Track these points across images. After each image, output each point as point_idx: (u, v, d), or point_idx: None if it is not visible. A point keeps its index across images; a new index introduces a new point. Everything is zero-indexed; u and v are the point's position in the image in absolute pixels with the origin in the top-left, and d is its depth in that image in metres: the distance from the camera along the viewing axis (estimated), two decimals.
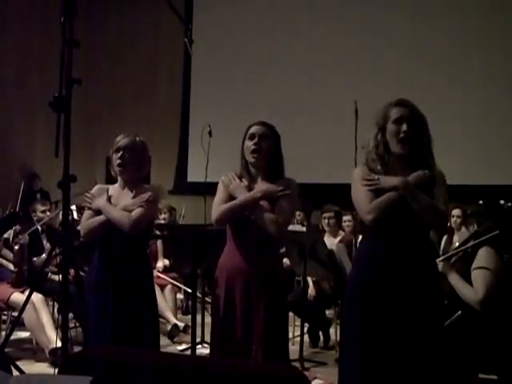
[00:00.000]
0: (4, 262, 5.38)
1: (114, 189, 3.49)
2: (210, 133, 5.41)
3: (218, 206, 3.08)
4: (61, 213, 3.94)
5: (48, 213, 5.86)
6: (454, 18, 8.86)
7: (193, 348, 4.72)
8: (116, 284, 3.35)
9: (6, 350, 4.23)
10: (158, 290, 5.71)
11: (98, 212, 3.40)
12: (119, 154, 3.40)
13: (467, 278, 3.46)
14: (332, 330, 5.60)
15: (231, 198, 3.08)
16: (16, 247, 5.24)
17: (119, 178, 3.49)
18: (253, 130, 3.14)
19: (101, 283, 3.39)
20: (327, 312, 5.82)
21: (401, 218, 2.69)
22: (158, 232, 5.77)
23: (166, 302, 5.87)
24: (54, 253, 3.98)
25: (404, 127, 2.74)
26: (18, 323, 4.58)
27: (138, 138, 3.50)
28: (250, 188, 3.09)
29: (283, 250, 6.30)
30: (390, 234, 2.71)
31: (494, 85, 8.63)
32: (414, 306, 2.65)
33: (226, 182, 3.12)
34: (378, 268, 2.70)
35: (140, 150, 3.48)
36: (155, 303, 3.61)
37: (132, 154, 3.41)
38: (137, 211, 3.34)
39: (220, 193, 3.13)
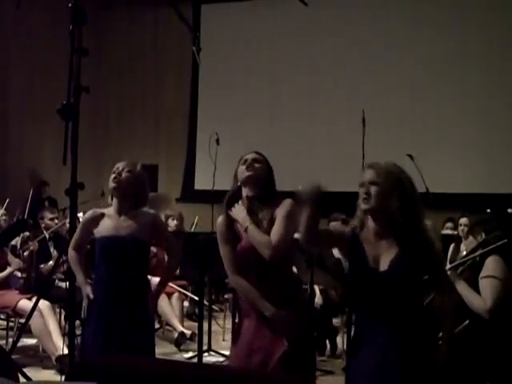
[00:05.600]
0: (10, 269, 5.39)
1: (110, 216, 3.46)
2: (217, 141, 5.42)
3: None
4: (68, 221, 3.95)
5: (56, 220, 5.88)
6: (457, 27, 8.89)
7: (199, 356, 4.71)
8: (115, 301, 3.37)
9: (13, 356, 4.25)
10: (164, 297, 5.73)
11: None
12: (116, 172, 3.41)
13: (475, 287, 3.44)
14: (339, 339, 5.58)
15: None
16: (25, 254, 5.26)
17: (114, 200, 3.45)
18: (246, 156, 3.05)
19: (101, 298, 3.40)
20: (334, 320, 5.80)
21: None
22: None
23: (172, 309, 5.87)
24: (61, 260, 4.00)
25: (364, 189, 2.63)
26: (25, 330, 4.59)
27: (139, 165, 3.51)
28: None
29: None
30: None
31: (500, 94, 8.64)
32: None
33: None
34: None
35: (138, 174, 3.46)
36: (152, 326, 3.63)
37: (130, 173, 3.40)
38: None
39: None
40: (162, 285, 3.62)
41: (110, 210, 3.46)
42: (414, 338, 2.58)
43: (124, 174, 3.39)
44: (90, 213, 3.52)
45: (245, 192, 3.00)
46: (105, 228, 3.41)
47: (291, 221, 2.90)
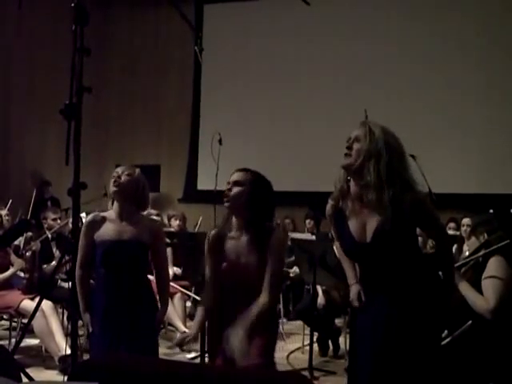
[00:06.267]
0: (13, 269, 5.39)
1: (111, 220, 3.45)
2: (220, 141, 5.39)
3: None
4: (70, 221, 3.96)
5: (59, 221, 5.89)
6: (457, 26, 8.89)
7: (202, 356, 4.71)
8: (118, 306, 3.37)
9: (16, 356, 4.25)
10: None
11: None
12: (116, 176, 3.43)
13: (478, 288, 3.44)
14: (341, 339, 5.58)
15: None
16: (28, 254, 5.26)
17: (115, 204, 3.46)
18: (232, 177, 2.93)
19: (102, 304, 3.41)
20: (337, 321, 5.80)
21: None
22: (167, 240, 5.77)
23: (175, 310, 5.87)
24: (63, 260, 4.00)
25: (348, 144, 2.59)
26: (28, 330, 4.59)
27: (138, 169, 3.53)
28: (224, 238, 2.94)
29: (292, 258, 6.30)
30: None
31: (501, 94, 8.64)
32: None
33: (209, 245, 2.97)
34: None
35: (137, 177, 3.47)
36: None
37: (129, 177, 3.43)
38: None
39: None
40: (164, 305, 3.57)
41: (112, 214, 3.46)
42: (416, 306, 2.54)
43: (123, 178, 3.41)
44: (90, 217, 3.52)
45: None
46: (107, 232, 3.41)
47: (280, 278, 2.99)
